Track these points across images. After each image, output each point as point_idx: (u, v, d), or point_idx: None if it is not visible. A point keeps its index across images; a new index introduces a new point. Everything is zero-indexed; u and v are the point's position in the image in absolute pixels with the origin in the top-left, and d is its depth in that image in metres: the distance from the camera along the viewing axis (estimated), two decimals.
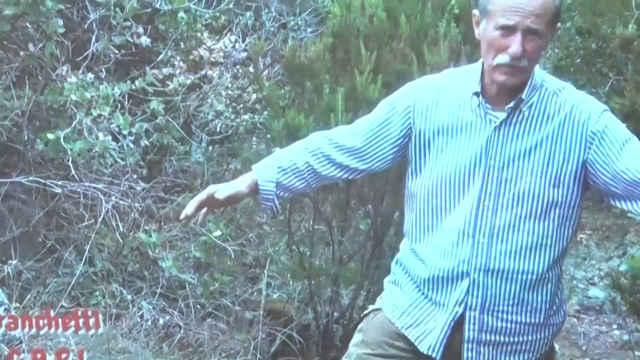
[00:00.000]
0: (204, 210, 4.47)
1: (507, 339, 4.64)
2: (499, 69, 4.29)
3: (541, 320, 4.63)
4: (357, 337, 4.80)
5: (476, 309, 4.54)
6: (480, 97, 4.44)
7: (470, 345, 4.59)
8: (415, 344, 4.63)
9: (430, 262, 4.60)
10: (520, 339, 4.66)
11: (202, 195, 4.40)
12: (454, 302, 4.55)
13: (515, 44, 4.22)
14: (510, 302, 4.55)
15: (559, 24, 4.48)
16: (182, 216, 4.42)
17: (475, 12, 4.49)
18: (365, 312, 4.90)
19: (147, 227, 7.07)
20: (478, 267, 4.51)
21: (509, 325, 4.61)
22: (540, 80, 4.47)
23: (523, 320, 4.59)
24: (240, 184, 4.50)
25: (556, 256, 4.53)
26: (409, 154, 4.63)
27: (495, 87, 4.39)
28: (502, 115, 4.41)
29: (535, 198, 4.46)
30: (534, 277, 4.51)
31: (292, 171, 4.53)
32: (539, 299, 4.57)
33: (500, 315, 4.57)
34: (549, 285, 4.57)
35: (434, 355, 4.58)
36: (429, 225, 4.65)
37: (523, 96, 4.37)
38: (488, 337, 4.59)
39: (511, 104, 4.36)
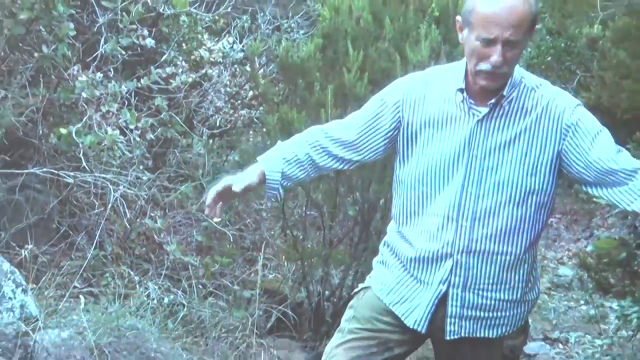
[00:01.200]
0: (220, 203, 4.51)
1: (486, 314, 4.70)
2: (481, 75, 4.34)
3: (518, 297, 4.69)
4: (348, 313, 4.84)
5: (459, 287, 4.58)
6: (465, 93, 4.48)
7: (452, 320, 4.63)
8: (402, 319, 4.67)
9: (416, 244, 4.64)
10: (499, 314, 4.72)
11: (218, 187, 4.45)
12: (438, 281, 4.59)
13: (495, 54, 4.27)
14: (490, 280, 4.61)
15: (536, 26, 4.50)
16: (207, 212, 4.48)
17: (459, 18, 4.52)
18: (356, 290, 4.94)
19: (152, 214, 7.10)
20: (461, 249, 4.55)
21: (488, 302, 4.67)
22: (520, 77, 4.51)
23: (501, 297, 4.66)
24: (251, 175, 4.50)
25: (532, 239, 4.58)
26: (397, 144, 4.66)
27: (478, 86, 4.42)
28: (484, 109, 4.46)
29: (514, 186, 4.51)
30: (512, 258, 4.56)
31: (295, 162, 4.57)
32: (516, 278, 4.63)
33: (480, 292, 4.62)
34: (525, 266, 4.62)
35: (419, 329, 4.63)
36: (416, 210, 4.68)
37: (504, 93, 4.43)
38: (469, 313, 4.65)
39: (493, 100, 4.42)
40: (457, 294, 4.60)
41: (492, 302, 4.67)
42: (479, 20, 4.32)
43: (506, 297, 4.67)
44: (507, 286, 4.65)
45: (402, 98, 4.63)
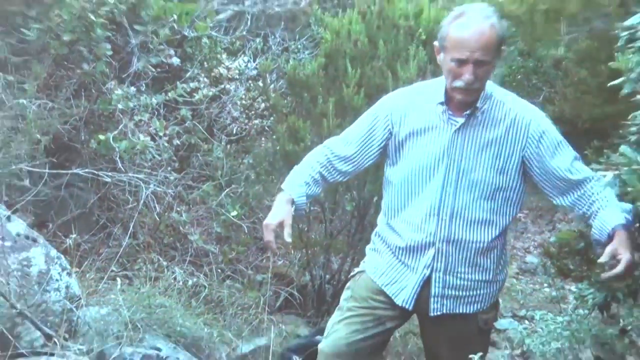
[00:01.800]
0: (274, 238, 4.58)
1: (464, 293, 4.83)
2: (456, 91, 4.50)
3: (490, 277, 4.84)
4: (346, 293, 4.96)
5: (440, 271, 4.73)
6: (444, 106, 4.62)
7: (436, 299, 4.77)
8: (392, 298, 4.81)
9: (404, 234, 4.78)
10: (474, 292, 4.86)
11: (271, 226, 4.53)
12: (422, 266, 4.73)
13: (467, 73, 4.43)
14: (467, 264, 4.76)
15: (503, 47, 4.61)
16: (271, 247, 4.63)
17: (436, 43, 4.67)
18: (352, 273, 5.08)
19: (178, 209, 7.13)
20: (442, 238, 4.68)
21: (465, 282, 4.81)
22: (491, 91, 4.64)
23: (476, 278, 4.81)
24: (286, 206, 4.62)
25: (501, 229, 4.73)
26: (388, 150, 4.79)
27: (455, 100, 4.57)
28: (461, 120, 4.61)
29: (486, 184, 4.67)
30: (484, 245, 4.71)
31: (313, 183, 4.71)
32: (488, 261, 4.79)
33: (459, 275, 4.76)
34: (495, 251, 4.78)
35: (406, 306, 4.77)
36: (403, 205, 4.82)
37: (478, 105, 4.56)
38: (450, 292, 4.78)
39: (468, 111, 4.56)
40: (439, 277, 4.74)
41: (469, 282, 4.81)
42: (452, 44, 4.48)
43: (480, 278, 4.81)
44: (481, 269, 4.80)
45: (391, 112, 4.76)
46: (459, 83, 4.49)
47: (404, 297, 4.79)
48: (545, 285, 7.83)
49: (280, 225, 4.55)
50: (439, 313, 4.82)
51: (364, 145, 4.81)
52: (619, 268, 4.29)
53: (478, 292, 4.89)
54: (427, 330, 5.14)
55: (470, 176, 4.68)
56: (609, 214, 4.51)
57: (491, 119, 4.66)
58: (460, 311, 4.89)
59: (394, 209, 4.87)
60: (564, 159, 4.67)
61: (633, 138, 4.54)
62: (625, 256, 4.21)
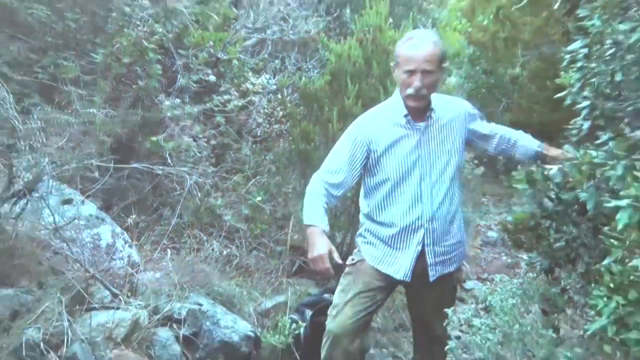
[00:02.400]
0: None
1: (448, 257, 4.97)
2: (409, 98, 4.68)
3: (458, 239, 5.02)
4: (348, 279, 4.99)
5: (430, 245, 4.85)
6: (408, 117, 4.75)
7: (432, 267, 4.89)
8: (393, 276, 4.87)
9: (395, 223, 4.85)
10: (453, 254, 5.00)
11: (325, 256, 4.46)
12: (415, 244, 4.84)
13: (416, 81, 4.62)
14: (445, 234, 4.90)
15: (444, 64, 4.81)
16: (330, 273, 4.53)
17: (392, 63, 4.91)
18: (352, 262, 5.03)
19: (215, 195, 7.17)
20: (427, 219, 4.81)
21: (447, 248, 4.95)
22: (435, 97, 4.84)
23: (452, 242, 4.96)
24: (324, 237, 4.54)
25: (458, 202, 4.99)
26: (367, 166, 4.85)
27: (412, 109, 4.71)
28: (422, 124, 4.79)
29: (446, 165, 4.87)
30: (451, 215, 4.92)
31: (325, 212, 4.64)
32: (455, 228, 4.98)
33: (442, 244, 4.91)
34: (457, 219, 5.01)
35: (406, 279, 4.86)
36: (388, 202, 4.91)
37: (433, 107, 4.77)
38: (439, 259, 4.91)
39: (428, 114, 4.79)
40: (430, 250, 4.85)
41: (449, 247, 4.95)
42: (403, 59, 4.68)
43: (454, 241, 4.97)
44: (453, 234, 4.96)
45: (365, 135, 4.79)
46: (410, 90, 4.65)
47: (403, 272, 4.85)
48: (503, 254, 7.87)
49: (330, 253, 4.52)
50: (434, 278, 4.91)
51: (350, 169, 4.79)
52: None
53: (455, 253, 5.02)
54: (418, 296, 5.17)
55: (438, 165, 4.83)
56: (528, 141, 5.12)
57: (441, 118, 4.85)
58: (447, 271, 5.00)
59: (380, 207, 4.92)
60: (484, 125, 5.14)
61: (574, 139, 4.64)
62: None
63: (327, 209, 4.71)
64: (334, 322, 4.90)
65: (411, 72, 4.65)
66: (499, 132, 5.15)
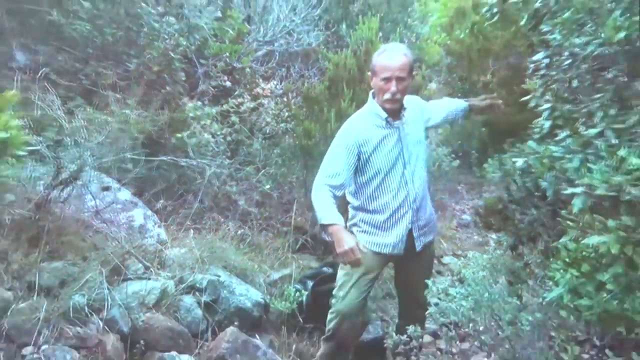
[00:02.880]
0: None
1: (427, 228, 5.08)
2: (387, 102, 4.77)
3: (431, 212, 5.15)
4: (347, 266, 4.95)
5: (416, 222, 4.95)
6: (388, 118, 4.82)
7: (417, 239, 4.98)
8: (389, 252, 4.95)
9: (386, 209, 4.91)
10: (430, 225, 5.13)
11: (355, 248, 4.60)
12: (405, 223, 4.94)
13: (392, 87, 4.71)
14: (424, 210, 5.02)
15: (415, 72, 5.14)
16: (360, 262, 4.70)
17: (369, 72, 4.93)
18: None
19: (230, 184, 7.19)
20: (411, 202, 4.90)
21: (426, 220, 5.05)
22: (404, 98, 4.91)
23: (428, 214, 5.07)
24: (347, 232, 4.67)
25: (427, 179, 5.13)
26: (359, 165, 4.89)
27: (389, 111, 4.79)
28: (399, 122, 4.85)
29: (421, 155, 5.00)
30: (425, 193, 5.06)
31: (338, 210, 4.66)
32: (429, 203, 5.11)
33: (423, 218, 5.00)
34: (429, 197, 5.14)
35: (400, 253, 4.99)
36: (378, 193, 4.95)
37: (405, 106, 4.88)
38: (422, 231, 5.02)
39: (402, 113, 4.89)
40: (416, 226, 4.94)
41: (427, 219, 5.05)
42: (380, 69, 4.75)
43: (429, 214, 5.09)
44: (428, 208, 5.08)
45: (355, 141, 4.82)
46: (387, 95, 4.73)
47: (397, 249, 4.95)
48: (475, 234, 7.89)
49: (357, 245, 4.67)
50: (421, 248, 5.02)
51: (348, 170, 4.81)
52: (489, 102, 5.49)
53: (431, 224, 5.15)
54: (405, 268, 5.23)
55: (414, 153, 4.91)
56: (458, 103, 5.49)
57: (410, 115, 4.93)
58: (428, 240, 5.12)
59: (372, 198, 4.96)
60: (430, 108, 5.29)
61: (536, 136, 4.71)
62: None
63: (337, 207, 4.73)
64: (342, 303, 4.98)
65: (387, 80, 4.74)
66: (440, 107, 5.44)
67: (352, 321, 5.02)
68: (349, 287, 4.96)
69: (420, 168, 4.99)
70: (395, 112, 4.85)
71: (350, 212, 5.14)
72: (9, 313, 4.41)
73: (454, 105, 5.48)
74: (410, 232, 4.97)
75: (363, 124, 4.90)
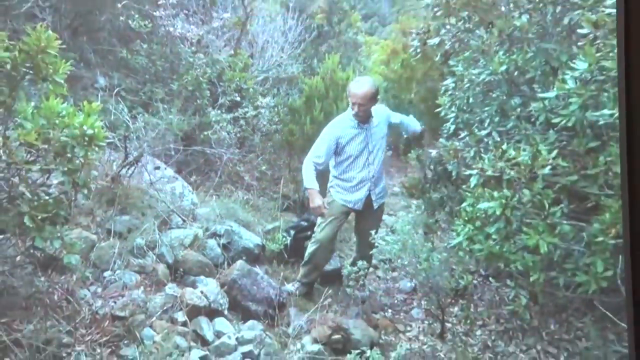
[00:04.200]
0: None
1: (381, 193, 5.21)
2: (355, 115, 4.86)
3: (384, 183, 5.27)
4: (326, 212, 5.06)
5: (374, 189, 5.07)
6: (358, 122, 4.90)
7: (375, 201, 5.12)
8: (352, 207, 5.09)
9: (354, 179, 5.05)
10: (383, 192, 5.29)
11: (322, 203, 4.93)
12: (365, 190, 5.05)
13: (355, 108, 4.84)
14: (379, 180, 5.15)
15: (378, 97, 4.97)
16: (322, 209, 4.95)
17: (347, 93, 5.00)
18: (328, 202, 5.15)
19: (239, 166, 7.14)
20: (372, 175, 5.02)
21: (380, 189, 5.20)
22: (375, 108, 4.97)
23: (382, 185, 5.20)
24: (318, 195, 4.92)
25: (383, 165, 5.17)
26: (337, 150, 4.99)
27: (358, 118, 4.86)
28: (367, 125, 4.93)
29: (382, 147, 5.06)
30: (381, 171, 5.15)
31: (316, 179, 4.87)
32: (383, 177, 5.22)
33: (379, 185, 5.16)
34: (383, 173, 5.23)
35: (359, 208, 5.12)
36: (350, 168, 5.07)
37: (373, 115, 4.93)
38: (378, 195, 5.16)
39: (371, 118, 4.94)
40: (373, 191, 5.07)
41: (381, 188, 5.20)
42: (350, 94, 4.87)
43: (383, 184, 5.21)
44: (382, 180, 5.21)
45: (335, 135, 4.93)
46: (354, 112, 4.85)
47: (358, 205, 5.09)
48: (402, 201, 7.86)
49: (323, 203, 4.92)
50: (377, 206, 5.17)
51: (328, 155, 4.96)
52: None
53: (384, 192, 5.27)
54: (364, 219, 5.31)
55: (377, 145, 5.01)
56: (415, 123, 5.50)
57: (377, 119, 5.01)
58: (382, 201, 5.27)
59: (345, 171, 5.08)
60: (396, 117, 5.33)
61: (445, 135, 4.85)
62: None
63: (316, 177, 4.88)
64: (320, 234, 5.11)
65: (353, 103, 4.88)
66: (404, 120, 5.45)
67: (325, 247, 5.12)
68: (325, 225, 5.08)
69: (379, 155, 5.08)
70: (363, 118, 4.93)
71: (330, 178, 5.24)
72: (94, 249, 4.51)
73: (412, 123, 5.52)
74: (369, 195, 5.09)
75: (342, 124, 5.01)
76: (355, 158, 5.04)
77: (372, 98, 4.91)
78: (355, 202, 5.13)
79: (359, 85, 4.90)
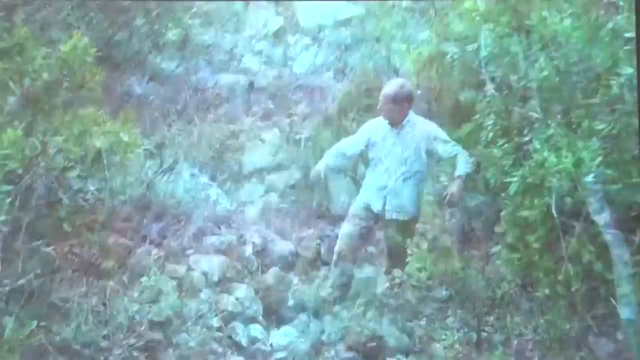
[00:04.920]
0: None
1: (400, 208, 4.98)
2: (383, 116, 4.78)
3: (405, 201, 4.96)
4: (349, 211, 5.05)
5: (390, 200, 4.90)
6: (388, 124, 4.85)
7: (388, 211, 4.93)
8: (373, 209, 4.97)
9: (374, 182, 4.96)
10: (403, 207, 4.99)
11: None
12: (383, 195, 4.91)
13: (383, 111, 4.81)
14: (398, 195, 4.91)
15: (410, 101, 4.83)
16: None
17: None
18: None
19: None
20: (386, 186, 4.90)
21: (398, 204, 4.98)
22: (410, 117, 4.85)
23: (404, 202, 4.94)
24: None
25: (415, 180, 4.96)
26: (368, 150, 4.95)
27: (389, 122, 4.78)
28: (397, 129, 4.85)
29: (412, 162, 4.90)
30: (403, 188, 4.92)
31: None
32: (405, 192, 4.94)
33: (396, 198, 4.93)
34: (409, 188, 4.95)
35: (379, 213, 4.96)
36: (372, 169, 5.02)
37: (404, 122, 4.80)
38: (392, 208, 4.96)
39: (401, 125, 4.83)
40: (390, 202, 4.92)
41: (400, 203, 4.95)
42: (381, 98, 4.79)
43: (407, 203, 4.95)
44: (405, 199, 4.96)
45: (370, 130, 4.92)
46: (382, 114, 4.82)
47: (378, 209, 4.94)
48: (437, 209, 7.75)
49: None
50: (389, 217, 4.96)
51: (356, 145, 4.98)
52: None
53: (404, 209, 4.94)
54: (390, 227, 5.09)
55: (405, 155, 4.86)
56: (459, 163, 4.78)
57: (413, 127, 4.83)
58: (400, 218, 4.97)
59: (370, 169, 5.03)
60: (440, 144, 4.79)
61: (483, 143, 4.77)
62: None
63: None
64: (341, 230, 5.10)
65: (381, 105, 4.83)
66: (450, 152, 4.86)
67: (345, 243, 5.04)
68: (345, 222, 5.07)
69: (406, 166, 4.91)
70: (392, 120, 4.85)
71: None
72: (129, 255, 4.55)
73: (462, 161, 4.83)
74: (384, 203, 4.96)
75: (377, 122, 4.97)
76: (380, 160, 4.94)
77: (399, 100, 4.80)
78: (374, 206, 5.03)
79: (387, 86, 4.87)
